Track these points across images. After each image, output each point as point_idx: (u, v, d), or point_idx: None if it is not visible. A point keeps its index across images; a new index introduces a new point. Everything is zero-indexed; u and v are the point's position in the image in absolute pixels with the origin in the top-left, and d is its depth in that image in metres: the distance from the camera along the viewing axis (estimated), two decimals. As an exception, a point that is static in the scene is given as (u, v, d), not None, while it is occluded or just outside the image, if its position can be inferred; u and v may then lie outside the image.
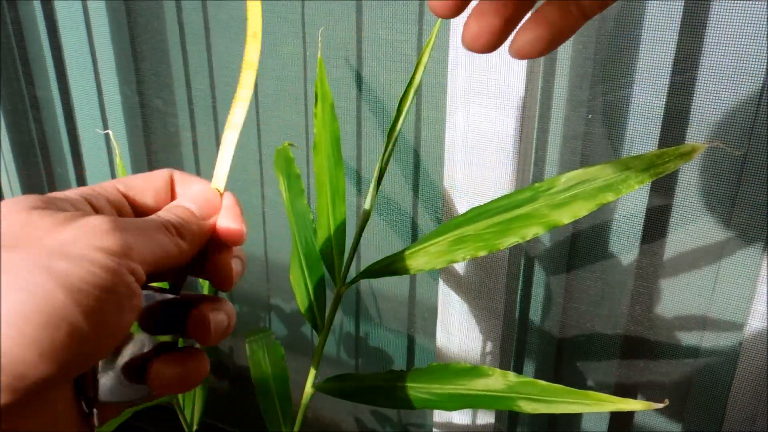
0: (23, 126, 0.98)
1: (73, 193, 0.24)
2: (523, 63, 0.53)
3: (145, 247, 0.22)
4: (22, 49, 0.92)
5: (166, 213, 0.26)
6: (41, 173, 1.01)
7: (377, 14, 0.63)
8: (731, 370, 0.56)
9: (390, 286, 0.75)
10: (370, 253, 0.75)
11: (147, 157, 0.89)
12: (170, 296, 0.26)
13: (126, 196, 0.27)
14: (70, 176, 0.98)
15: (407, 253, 0.42)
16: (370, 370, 0.83)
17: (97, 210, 0.24)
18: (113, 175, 0.94)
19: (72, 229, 0.21)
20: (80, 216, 0.22)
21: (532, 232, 0.36)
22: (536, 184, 0.38)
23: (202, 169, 0.85)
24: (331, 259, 0.46)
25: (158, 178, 0.28)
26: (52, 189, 1.02)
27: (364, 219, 0.45)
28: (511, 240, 0.36)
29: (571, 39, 0.52)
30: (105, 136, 0.91)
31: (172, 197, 0.28)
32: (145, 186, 0.27)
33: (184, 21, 0.77)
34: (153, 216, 0.25)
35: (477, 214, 0.40)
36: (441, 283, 0.65)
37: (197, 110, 0.81)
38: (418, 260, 0.41)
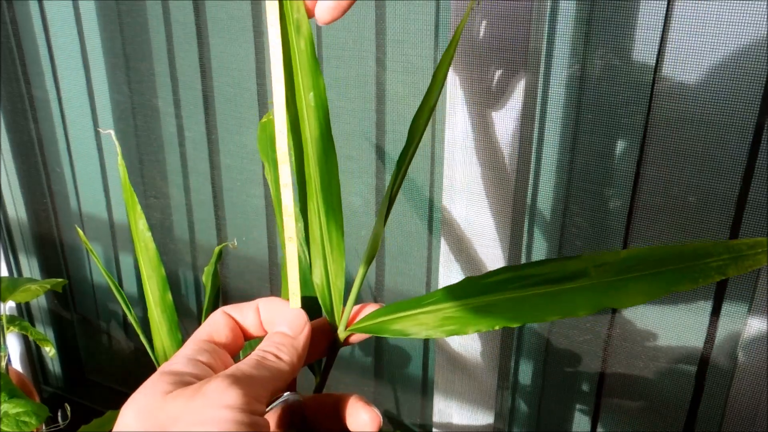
0: (23, 126, 0.98)
1: (185, 359, 0.29)
2: (523, 64, 0.53)
3: (258, 386, 0.28)
4: (20, 48, 0.93)
5: (265, 344, 0.31)
6: (41, 173, 1.01)
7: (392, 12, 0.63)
8: (731, 371, 0.56)
9: (406, 284, 0.75)
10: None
11: (138, 158, 0.89)
12: (294, 398, 0.33)
13: (235, 320, 0.33)
14: (67, 177, 0.98)
15: (418, 311, 0.34)
16: (388, 369, 0.83)
17: (208, 365, 0.30)
18: (104, 177, 0.94)
19: (200, 398, 0.26)
20: (201, 385, 0.27)
21: (578, 311, 0.31)
22: (587, 255, 0.32)
23: (211, 171, 0.84)
24: (328, 298, 0.36)
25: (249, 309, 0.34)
26: (51, 189, 1.02)
27: (369, 259, 0.35)
28: (552, 317, 0.31)
29: (571, 41, 0.53)
30: (96, 136, 0.91)
31: (261, 324, 0.34)
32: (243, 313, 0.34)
33: (174, 21, 0.77)
34: (255, 352, 0.30)
35: (508, 278, 0.33)
36: (441, 283, 0.65)
37: (189, 111, 0.81)
38: (431, 323, 0.33)
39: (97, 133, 0.92)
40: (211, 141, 0.82)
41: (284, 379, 0.30)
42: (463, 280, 0.34)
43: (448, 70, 0.34)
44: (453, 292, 0.34)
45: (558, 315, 0.31)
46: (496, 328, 0.31)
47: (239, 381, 0.27)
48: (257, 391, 0.27)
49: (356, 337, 0.35)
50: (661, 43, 0.49)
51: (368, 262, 0.35)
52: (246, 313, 0.34)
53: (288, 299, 0.34)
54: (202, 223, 0.89)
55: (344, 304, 0.36)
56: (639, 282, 0.30)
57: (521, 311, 0.32)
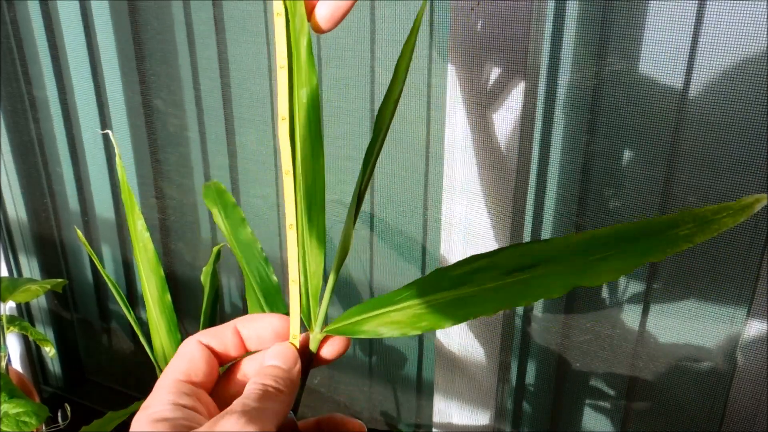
0: (23, 126, 0.98)
1: (169, 405, 0.29)
2: (523, 64, 0.53)
3: (269, 420, 0.28)
4: (20, 48, 0.93)
5: (261, 378, 0.31)
6: (41, 173, 1.01)
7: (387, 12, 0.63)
8: (731, 370, 0.56)
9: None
10: (368, 253, 0.75)
11: (150, 157, 0.89)
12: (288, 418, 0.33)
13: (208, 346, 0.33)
14: (68, 177, 0.98)
15: (389, 309, 0.34)
16: (383, 369, 0.83)
17: (192, 408, 0.30)
18: (113, 177, 0.94)
19: None
20: (215, 423, 0.28)
21: (551, 293, 0.31)
22: (556, 239, 0.33)
23: (211, 171, 0.84)
24: (305, 297, 0.35)
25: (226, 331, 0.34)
26: (51, 189, 1.02)
27: (341, 257, 0.35)
28: (526, 301, 0.31)
29: (572, 41, 0.53)
30: (103, 135, 0.91)
31: (242, 343, 0.34)
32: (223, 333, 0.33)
33: (191, 21, 0.77)
34: (254, 385, 0.31)
35: (478, 267, 0.33)
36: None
37: (206, 109, 0.81)
38: (404, 320, 0.33)
39: (104, 133, 0.92)
40: (222, 139, 0.82)
41: (284, 412, 0.30)
42: (433, 272, 0.34)
43: (409, 63, 0.33)
44: (424, 287, 0.33)
45: (532, 299, 0.31)
46: (471, 318, 0.31)
47: (254, 417, 0.28)
48: (269, 426, 0.28)
49: (330, 351, 0.35)
50: (669, 43, 0.49)
51: (340, 263, 0.34)
52: (224, 336, 0.33)
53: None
54: (206, 222, 0.89)
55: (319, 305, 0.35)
56: (610, 259, 0.31)
57: (494, 299, 0.32)
